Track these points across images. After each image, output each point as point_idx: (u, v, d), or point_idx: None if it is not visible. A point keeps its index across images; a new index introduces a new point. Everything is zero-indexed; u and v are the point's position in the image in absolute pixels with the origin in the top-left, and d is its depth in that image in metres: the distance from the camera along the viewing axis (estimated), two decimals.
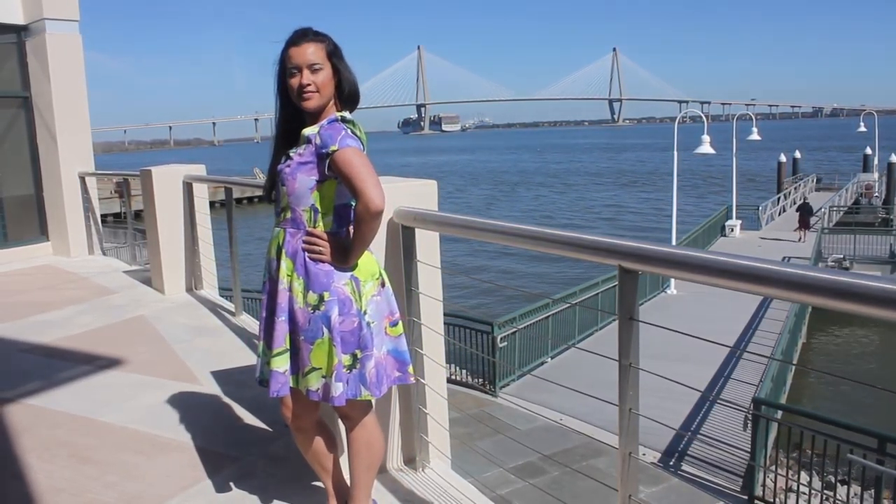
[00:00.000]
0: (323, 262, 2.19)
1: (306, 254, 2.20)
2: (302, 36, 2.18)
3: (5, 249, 8.05)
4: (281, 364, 2.23)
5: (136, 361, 4.43)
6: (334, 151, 2.11)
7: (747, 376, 10.92)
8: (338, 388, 2.17)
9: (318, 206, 2.20)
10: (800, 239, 23.63)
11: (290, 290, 2.21)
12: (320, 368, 2.19)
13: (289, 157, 2.23)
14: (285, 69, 2.20)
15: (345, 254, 2.20)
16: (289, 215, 2.23)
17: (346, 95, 2.24)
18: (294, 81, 2.17)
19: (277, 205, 2.29)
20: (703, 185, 51.36)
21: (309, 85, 2.16)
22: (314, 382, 2.20)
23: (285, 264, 2.22)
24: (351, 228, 2.25)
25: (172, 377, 4.08)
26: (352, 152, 2.11)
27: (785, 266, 1.56)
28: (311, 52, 2.16)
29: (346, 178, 2.12)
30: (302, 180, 2.17)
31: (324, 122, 2.20)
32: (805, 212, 24.89)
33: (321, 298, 2.17)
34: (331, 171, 2.14)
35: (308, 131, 2.20)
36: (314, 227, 2.21)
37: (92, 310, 5.79)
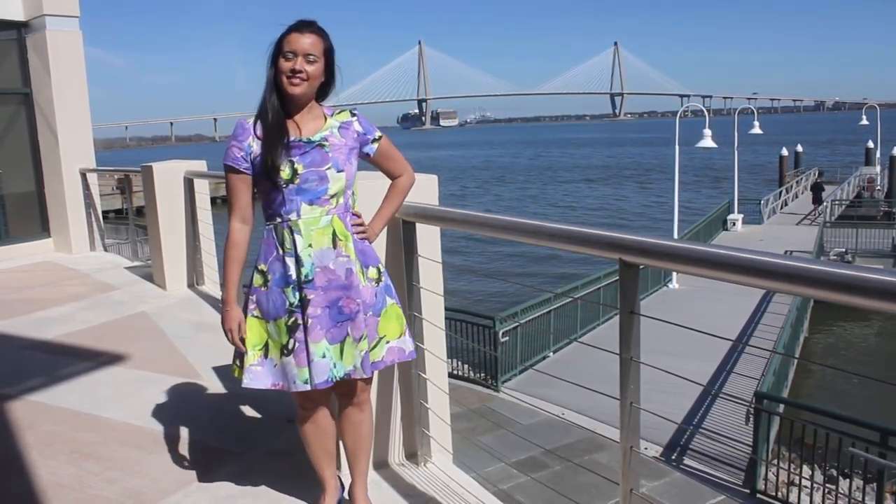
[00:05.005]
0: (367, 240, 2.35)
1: (355, 235, 2.30)
2: (306, 25, 2.20)
3: (7, 246, 8.05)
4: (326, 353, 2.23)
5: (137, 357, 4.43)
6: (380, 137, 2.35)
7: (749, 370, 10.91)
8: (409, 344, 2.41)
9: (355, 189, 2.34)
10: (814, 215, 26.83)
11: (356, 270, 2.27)
12: (385, 336, 2.33)
13: (311, 142, 2.20)
14: (280, 52, 2.19)
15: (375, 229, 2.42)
16: (341, 200, 2.26)
17: (324, 94, 2.30)
18: (288, 65, 2.17)
19: (315, 192, 2.20)
20: (703, 180, 51.37)
21: (301, 72, 2.17)
22: (380, 352, 2.33)
23: (351, 248, 2.26)
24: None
25: (174, 373, 4.08)
26: (387, 138, 2.38)
27: (786, 259, 1.55)
28: (310, 43, 2.19)
29: (391, 158, 2.42)
30: (353, 165, 2.29)
31: (345, 112, 2.31)
32: (817, 190, 28.97)
33: (379, 271, 2.34)
34: (367, 155, 2.34)
35: (341, 118, 2.29)
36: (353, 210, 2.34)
37: (93, 306, 5.80)
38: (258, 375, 2.25)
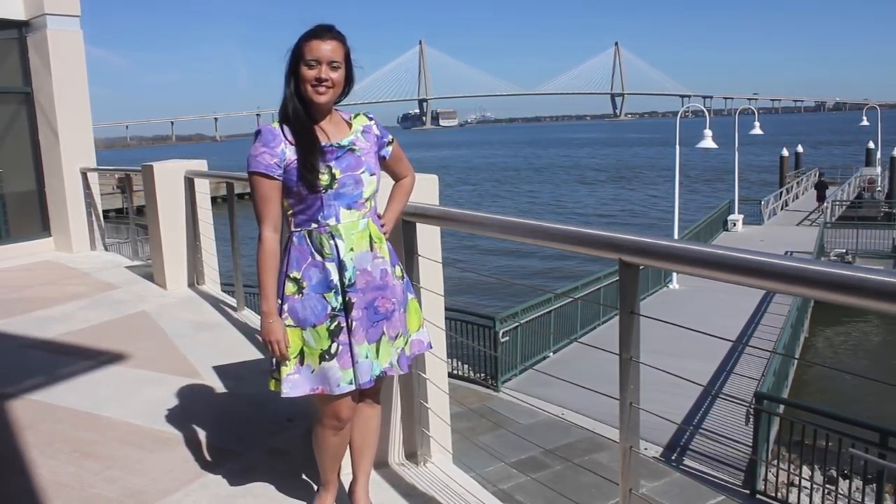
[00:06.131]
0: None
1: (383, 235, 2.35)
2: (326, 31, 2.19)
3: (7, 245, 8.06)
4: (368, 354, 2.25)
5: (138, 357, 4.43)
6: (393, 140, 2.39)
7: (749, 371, 10.91)
8: (426, 335, 2.48)
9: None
10: (820, 211, 27.56)
11: (390, 271, 2.31)
12: (409, 331, 2.39)
13: (342, 147, 2.22)
14: (301, 57, 2.18)
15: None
16: (372, 203, 2.30)
17: (342, 95, 2.29)
18: (312, 73, 2.17)
19: (352, 197, 2.22)
20: (696, 183, 51.29)
21: (326, 80, 2.17)
22: (407, 347, 2.39)
23: (385, 250, 2.31)
24: None
25: (174, 372, 4.08)
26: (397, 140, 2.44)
27: (786, 259, 1.55)
28: (332, 50, 2.18)
29: (401, 161, 2.46)
30: (379, 167, 2.33)
31: (361, 116, 2.36)
32: (822, 188, 29.94)
33: (401, 269, 2.41)
34: (383, 158, 2.37)
35: (361, 123, 2.33)
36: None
37: (94, 305, 5.80)
38: (297, 383, 2.23)
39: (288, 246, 2.25)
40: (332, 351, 2.20)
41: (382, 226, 2.36)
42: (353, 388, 2.23)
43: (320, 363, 2.21)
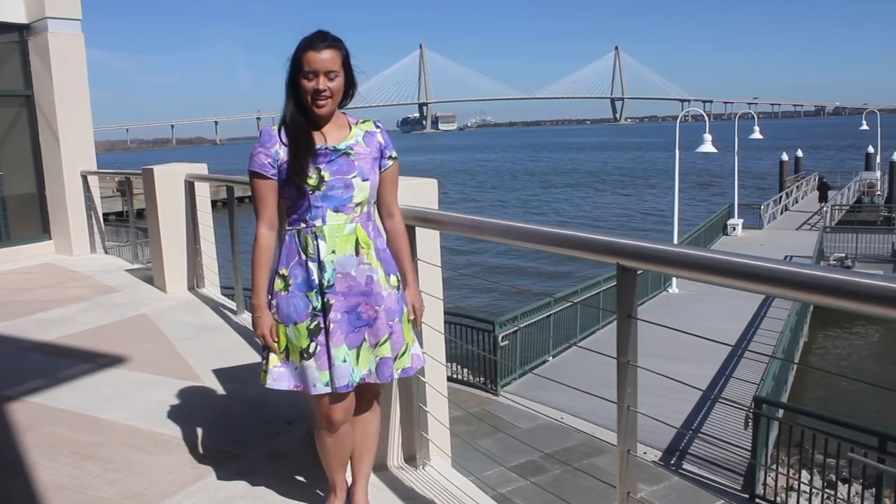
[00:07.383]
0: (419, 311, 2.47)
1: (380, 244, 2.33)
2: (321, 41, 2.19)
3: (8, 248, 8.07)
4: (346, 358, 2.25)
5: (138, 359, 4.44)
6: (395, 157, 2.37)
7: (748, 375, 10.91)
8: (419, 349, 2.47)
9: (375, 199, 2.35)
10: (822, 210, 27.90)
11: (377, 278, 2.29)
12: (407, 343, 2.38)
13: (337, 150, 2.23)
14: (299, 68, 2.20)
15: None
16: (365, 209, 2.28)
17: (345, 99, 2.30)
18: (310, 85, 2.18)
19: (341, 200, 2.23)
20: (692, 187, 51.20)
21: (325, 91, 2.19)
22: (407, 360, 2.37)
23: (373, 256, 2.28)
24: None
25: (174, 375, 4.09)
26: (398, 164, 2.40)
27: (783, 264, 1.56)
28: (329, 59, 2.19)
29: (393, 184, 2.39)
30: (377, 174, 2.31)
31: (370, 122, 2.35)
32: (824, 189, 30.73)
33: (398, 279, 2.37)
34: (380, 169, 2.33)
35: (366, 128, 2.33)
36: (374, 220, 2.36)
37: (94, 308, 5.81)
38: (281, 377, 2.28)
39: (282, 244, 2.30)
40: (311, 350, 2.23)
41: (413, 311, 2.42)
42: (329, 389, 2.24)
43: (301, 361, 2.25)
